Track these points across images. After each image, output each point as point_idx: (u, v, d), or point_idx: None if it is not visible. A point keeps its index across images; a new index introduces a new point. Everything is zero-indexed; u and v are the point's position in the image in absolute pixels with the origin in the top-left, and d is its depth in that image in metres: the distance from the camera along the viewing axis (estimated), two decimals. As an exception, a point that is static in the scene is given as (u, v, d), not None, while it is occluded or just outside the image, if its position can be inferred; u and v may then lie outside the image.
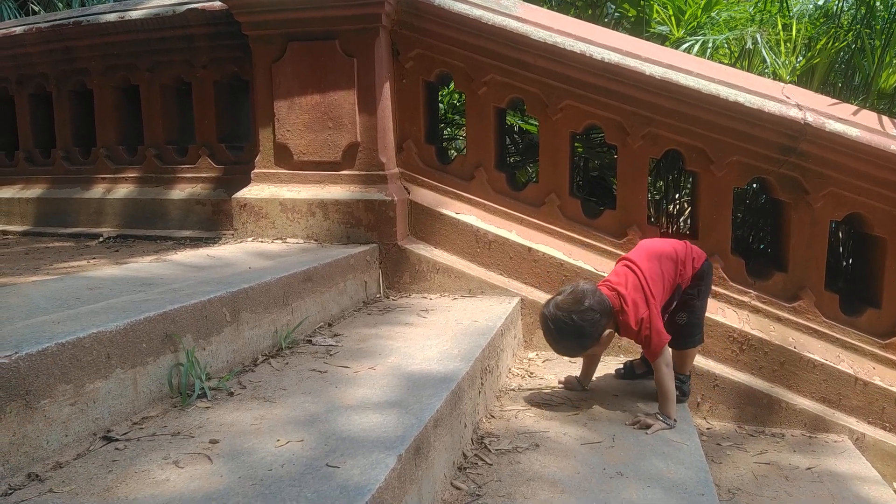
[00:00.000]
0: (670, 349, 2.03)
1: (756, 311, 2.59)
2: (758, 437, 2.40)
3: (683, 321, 2.14)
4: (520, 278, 2.72)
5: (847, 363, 2.50)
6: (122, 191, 3.44)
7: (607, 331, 2.00)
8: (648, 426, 1.90)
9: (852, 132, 2.38)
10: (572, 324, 1.92)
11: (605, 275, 2.60)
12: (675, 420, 1.95)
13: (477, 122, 2.87)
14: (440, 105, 3.81)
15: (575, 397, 2.14)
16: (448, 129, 4.47)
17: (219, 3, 2.94)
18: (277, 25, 2.81)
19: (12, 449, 1.17)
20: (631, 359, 2.37)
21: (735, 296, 2.60)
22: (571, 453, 1.71)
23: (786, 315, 2.57)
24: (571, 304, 1.94)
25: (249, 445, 1.29)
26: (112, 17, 3.27)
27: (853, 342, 2.55)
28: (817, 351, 2.52)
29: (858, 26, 3.10)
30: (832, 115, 2.42)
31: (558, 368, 2.44)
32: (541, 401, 2.11)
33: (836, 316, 2.57)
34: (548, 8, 3.65)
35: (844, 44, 3.14)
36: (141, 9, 3.23)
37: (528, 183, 2.95)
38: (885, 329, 2.54)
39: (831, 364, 2.48)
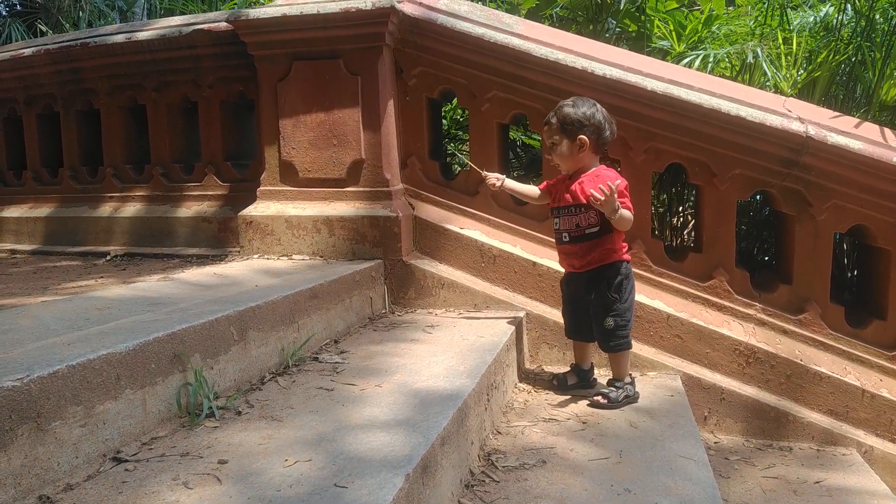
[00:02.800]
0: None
1: (762, 323, 2.59)
2: (765, 450, 2.39)
3: (611, 325, 2.20)
4: (525, 293, 2.73)
5: (854, 375, 2.50)
6: (130, 209, 3.47)
7: (582, 138, 2.15)
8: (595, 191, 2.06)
9: (855, 145, 2.39)
10: (586, 105, 2.17)
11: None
12: (619, 213, 2.09)
13: (480, 137, 2.90)
14: (443, 121, 3.83)
15: (581, 413, 2.14)
16: (451, 145, 4.50)
17: (224, 24, 2.98)
18: (282, 45, 2.84)
19: (24, 471, 1.18)
20: (564, 371, 2.40)
21: (740, 308, 2.60)
22: (578, 470, 1.71)
23: (791, 328, 2.57)
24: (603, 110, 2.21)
25: (258, 466, 1.30)
26: (119, 38, 3.31)
27: (859, 354, 2.55)
28: (824, 363, 2.51)
29: (859, 39, 3.11)
30: (834, 127, 2.43)
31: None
32: (547, 416, 2.11)
33: (842, 328, 2.57)
34: (549, 24, 3.69)
35: (845, 56, 3.16)
36: (148, 30, 3.28)
37: (531, 197, 2.97)
38: (891, 341, 2.54)
39: (838, 377, 2.48)
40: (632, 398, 2.22)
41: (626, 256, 2.25)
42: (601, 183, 2.08)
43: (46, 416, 1.23)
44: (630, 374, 2.28)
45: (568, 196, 2.22)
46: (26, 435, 1.19)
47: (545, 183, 2.40)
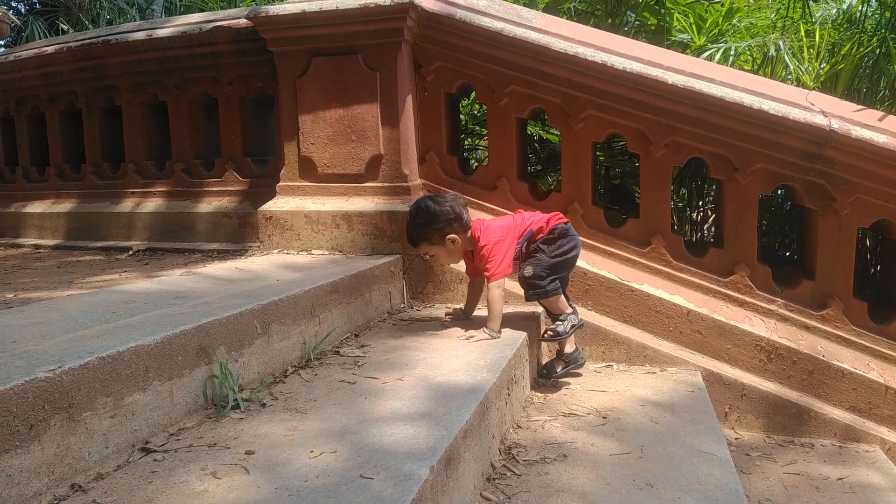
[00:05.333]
0: (505, 280, 2.30)
1: (783, 319, 2.57)
2: (787, 447, 2.38)
3: (529, 273, 2.28)
4: (543, 288, 2.73)
5: (877, 371, 2.47)
6: (151, 205, 3.51)
7: (451, 237, 2.29)
8: (472, 336, 2.20)
9: (879, 138, 2.36)
10: (426, 209, 2.29)
11: (630, 283, 2.62)
12: (499, 333, 2.23)
13: (498, 132, 2.90)
14: (461, 116, 3.83)
15: (601, 408, 2.13)
16: (469, 140, 4.50)
17: (244, 21, 3.00)
18: (302, 41, 2.86)
19: (56, 460, 1.21)
20: (552, 359, 2.45)
21: (762, 304, 2.58)
22: (600, 464, 1.71)
23: (814, 323, 2.55)
24: (436, 197, 2.34)
25: (284, 457, 1.32)
26: (140, 35, 3.34)
27: (883, 350, 2.52)
28: (846, 359, 2.49)
29: (883, 31, 3.07)
30: (858, 121, 2.40)
31: (584, 378, 2.44)
32: (567, 411, 2.11)
33: (865, 324, 2.54)
34: (567, 18, 3.67)
35: (869, 49, 3.11)
36: (168, 27, 3.31)
37: (550, 192, 2.97)
38: (915, 337, 2.51)
39: (860, 373, 2.45)
40: (578, 325, 2.35)
41: (560, 221, 2.36)
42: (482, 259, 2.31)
43: (78, 406, 1.25)
44: (571, 306, 2.38)
45: (486, 274, 2.32)
46: (59, 425, 1.21)
47: (467, 273, 2.53)
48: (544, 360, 2.61)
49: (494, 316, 2.26)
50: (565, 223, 2.36)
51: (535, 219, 2.37)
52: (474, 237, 2.35)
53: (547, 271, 2.29)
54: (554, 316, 2.38)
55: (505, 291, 2.32)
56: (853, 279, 2.55)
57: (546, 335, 2.38)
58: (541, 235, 2.33)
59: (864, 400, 2.45)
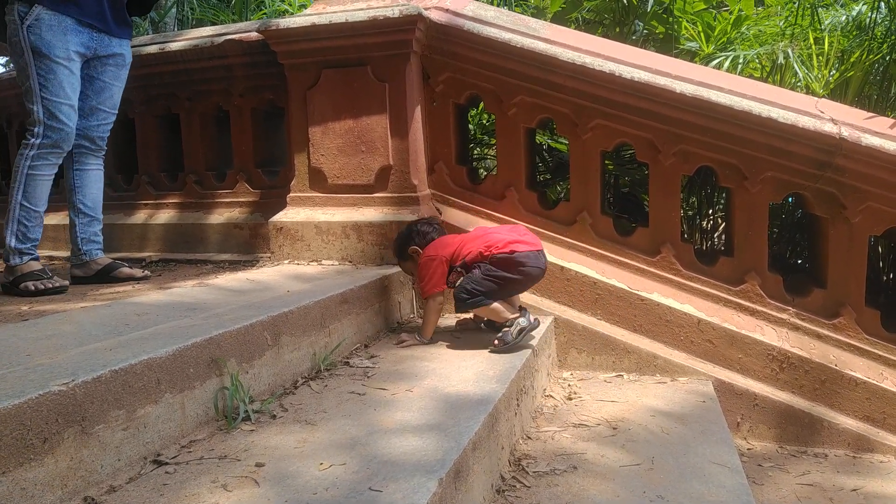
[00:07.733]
0: (440, 297, 2.36)
1: (795, 328, 2.55)
2: (800, 457, 2.36)
3: (457, 284, 2.30)
4: (552, 297, 2.73)
5: (890, 381, 2.45)
6: (164, 216, 3.54)
7: (412, 248, 2.43)
8: (403, 341, 2.33)
9: (890, 146, 2.35)
10: (399, 232, 2.56)
11: (639, 292, 2.62)
12: (429, 339, 2.34)
13: (507, 142, 2.91)
14: (470, 126, 3.84)
15: (612, 418, 2.13)
16: (478, 149, 4.51)
17: (255, 34, 3.04)
18: (312, 54, 2.89)
19: (69, 473, 1.22)
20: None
21: (773, 313, 2.57)
22: (610, 476, 1.71)
23: (826, 332, 2.53)
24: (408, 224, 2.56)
25: (294, 469, 1.32)
26: (153, 48, 3.39)
27: (897, 359, 2.50)
28: (859, 368, 2.47)
29: (893, 37, 3.05)
30: (868, 128, 2.39)
31: (594, 388, 2.44)
32: (577, 421, 2.11)
33: (878, 332, 2.52)
34: (575, 27, 3.68)
35: (879, 55, 3.10)
36: (181, 40, 3.35)
37: (558, 201, 2.97)
38: (930, 346, 2.49)
39: (874, 382, 2.43)
40: (528, 328, 2.21)
41: (503, 250, 2.28)
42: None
43: (91, 419, 1.27)
44: (515, 313, 2.26)
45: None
46: (72, 438, 1.23)
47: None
48: (554, 371, 2.61)
49: (427, 325, 2.35)
50: (508, 253, 2.24)
51: (478, 243, 2.31)
52: (420, 259, 2.39)
53: (478, 286, 2.22)
54: (499, 327, 2.28)
55: (441, 304, 2.38)
56: (865, 287, 2.54)
57: (494, 344, 2.20)
58: (477, 260, 2.27)
59: (878, 409, 2.43)
